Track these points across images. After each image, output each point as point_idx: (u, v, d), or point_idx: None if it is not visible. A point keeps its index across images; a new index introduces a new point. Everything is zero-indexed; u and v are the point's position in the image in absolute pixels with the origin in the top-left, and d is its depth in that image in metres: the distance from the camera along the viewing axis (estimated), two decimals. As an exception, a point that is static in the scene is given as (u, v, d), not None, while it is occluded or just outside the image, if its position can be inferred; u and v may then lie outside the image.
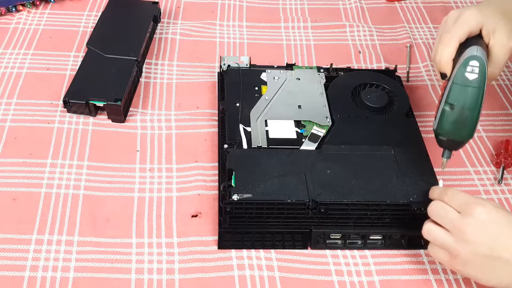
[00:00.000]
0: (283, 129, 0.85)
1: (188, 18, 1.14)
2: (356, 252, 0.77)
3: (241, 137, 0.83)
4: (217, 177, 0.84)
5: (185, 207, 0.81)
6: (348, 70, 0.96)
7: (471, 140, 0.91)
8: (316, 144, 0.83)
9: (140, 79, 1.00)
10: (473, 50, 0.72)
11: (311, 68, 0.96)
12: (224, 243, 0.76)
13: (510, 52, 0.76)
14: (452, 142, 0.75)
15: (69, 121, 0.92)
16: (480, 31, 0.76)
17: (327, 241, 0.77)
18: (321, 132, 0.84)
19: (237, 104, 0.88)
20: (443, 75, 0.75)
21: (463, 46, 0.74)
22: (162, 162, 0.87)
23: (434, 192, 0.74)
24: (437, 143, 0.76)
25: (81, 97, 0.91)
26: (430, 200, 0.75)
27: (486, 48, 0.75)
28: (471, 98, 0.71)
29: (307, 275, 0.74)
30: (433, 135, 0.92)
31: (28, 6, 1.13)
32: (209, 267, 0.74)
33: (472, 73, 0.71)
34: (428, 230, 0.71)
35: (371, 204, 0.75)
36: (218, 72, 0.99)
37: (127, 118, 0.93)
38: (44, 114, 0.93)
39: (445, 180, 0.85)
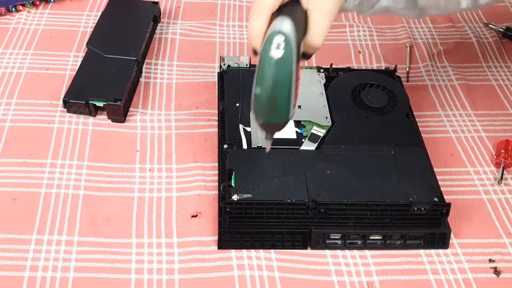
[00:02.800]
0: (283, 129, 0.84)
1: (188, 18, 1.14)
2: (356, 252, 0.77)
3: (241, 137, 0.83)
4: (217, 177, 0.84)
5: (185, 207, 0.81)
6: (348, 70, 0.96)
7: (471, 140, 0.91)
8: (316, 144, 0.83)
9: (140, 79, 1.00)
10: (278, 23, 0.62)
11: (311, 68, 0.96)
12: (224, 243, 0.76)
13: (332, 15, 0.66)
14: (268, 125, 0.68)
15: (69, 121, 0.92)
16: None
17: (327, 241, 0.77)
18: (321, 132, 0.84)
19: (237, 104, 0.88)
20: (254, 51, 0.66)
21: (275, 14, 0.64)
22: (162, 162, 0.87)
23: None
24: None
25: (81, 97, 0.91)
26: (430, 201, 0.75)
27: (304, 14, 0.65)
28: (279, 78, 0.63)
29: (307, 275, 0.74)
30: (433, 135, 0.92)
31: (28, 6, 1.13)
32: (209, 267, 0.74)
33: (278, 49, 0.61)
34: None
35: (371, 204, 0.75)
36: (218, 72, 0.99)
37: (127, 118, 0.93)
38: (44, 114, 0.93)
39: (445, 180, 0.85)
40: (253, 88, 0.65)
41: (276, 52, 0.62)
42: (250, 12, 0.66)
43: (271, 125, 0.68)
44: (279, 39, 0.62)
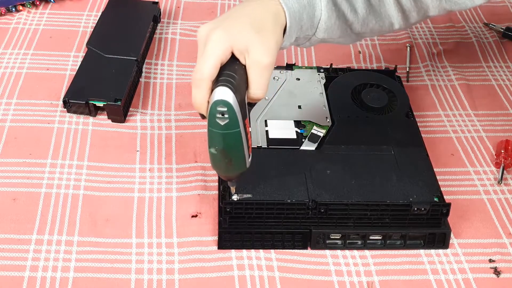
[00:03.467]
0: (283, 129, 0.85)
1: (188, 18, 1.14)
2: (356, 252, 0.77)
3: (241, 137, 0.83)
4: (217, 177, 0.84)
5: (185, 207, 0.81)
6: (348, 70, 0.96)
7: (471, 140, 0.91)
8: (316, 144, 0.83)
9: (140, 79, 1.00)
10: (220, 92, 0.65)
11: (311, 68, 0.96)
12: (224, 243, 0.76)
13: (270, 68, 0.69)
14: (229, 176, 0.73)
15: (69, 121, 0.92)
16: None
17: (327, 241, 0.77)
18: (321, 132, 0.84)
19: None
20: (202, 115, 0.70)
21: (215, 81, 0.67)
22: (162, 162, 0.87)
23: None
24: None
25: (81, 97, 0.91)
26: (430, 201, 0.75)
27: (244, 69, 0.68)
28: (229, 141, 0.67)
29: (307, 275, 0.74)
30: (433, 135, 0.92)
31: (28, 6, 1.13)
32: (209, 267, 0.74)
33: (222, 118, 0.65)
34: None
35: (371, 204, 0.75)
36: (218, 72, 0.99)
37: (127, 118, 0.93)
38: (44, 114, 0.93)
39: (445, 180, 0.85)
40: (208, 146, 0.69)
41: (221, 120, 0.66)
42: (192, 83, 0.68)
43: (231, 176, 0.73)
44: (222, 109, 0.65)
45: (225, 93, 0.65)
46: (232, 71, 0.67)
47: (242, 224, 0.75)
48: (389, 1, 0.80)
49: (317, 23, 0.76)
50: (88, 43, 1.02)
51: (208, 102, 0.67)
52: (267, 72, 0.69)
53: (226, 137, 0.67)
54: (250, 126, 0.70)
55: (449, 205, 0.75)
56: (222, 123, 0.66)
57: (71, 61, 1.03)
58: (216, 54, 0.67)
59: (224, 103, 0.65)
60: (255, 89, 0.69)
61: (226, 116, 0.65)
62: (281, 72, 0.95)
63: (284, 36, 0.73)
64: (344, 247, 0.77)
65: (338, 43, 0.83)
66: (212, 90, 0.66)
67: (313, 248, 0.77)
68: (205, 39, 0.69)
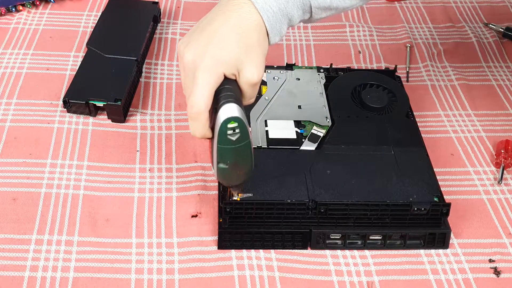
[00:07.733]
0: (283, 129, 0.85)
1: (188, 18, 1.14)
2: (356, 252, 0.77)
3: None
4: (217, 177, 0.84)
5: (185, 207, 0.81)
6: (348, 70, 0.96)
7: (471, 140, 0.91)
8: (316, 144, 0.83)
9: (140, 79, 1.00)
10: (227, 110, 0.66)
11: (311, 68, 0.96)
12: (224, 243, 0.76)
13: (259, 82, 0.70)
14: (237, 184, 0.73)
15: (69, 121, 0.92)
16: None
17: (327, 241, 0.77)
18: (321, 132, 0.84)
19: (237, 104, 0.88)
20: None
21: (215, 100, 0.68)
22: (162, 162, 0.87)
23: None
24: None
25: (81, 97, 0.91)
26: (430, 201, 0.75)
27: (236, 82, 0.69)
28: (241, 153, 0.68)
29: (307, 275, 0.74)
30: (433, 135, 0.92)
31: (28, 6, 1.13)
32: (209, 267, 0.74)
33: (234, 133, 0.66)
34: None
35: (371, 204, 0.75)
36: (218, 72, 0.99)
37: (127, 118, 0.93)
38: (44, 114, 0.93)
39: (445, 180, 0.85)
40: (214, 161, 0.69)
41: (233, 136, 0.66)
42: (189, 117, 0.68)
43: (239, 184, 0.73)
44: (233, 125, 0.66)
45: (232, 109, 0.66)
46: (228, 84, 0.68)
47: (242, 224, 0.75)
48: None
49: (309, 9, 0.74)
50: (88, 43, 1.02)
51: (214, 123, 0.67)
52: (259, 84, 0.70)
53: (238, 150, 0.67)
54: (250, 127, 0.70)
55: (449, 205, 0.75)
56: (234, 138, 0.66)
57: (71, 61, 1.03)
58: (210, 85, 0.67)
59: (235, 119, 0.65)
60: (248, 98, 0.71)
61: (237, 131, 0.66)
62: (281, 72, 0.95)
63: (269, 38, 0.71)
64: (344, 247, 0.77)
65: (345, 10, 0.80)
66: (213, 110, 0.67)
67: (313, 248, 0.77)
68: (192, 66, 0.68)
